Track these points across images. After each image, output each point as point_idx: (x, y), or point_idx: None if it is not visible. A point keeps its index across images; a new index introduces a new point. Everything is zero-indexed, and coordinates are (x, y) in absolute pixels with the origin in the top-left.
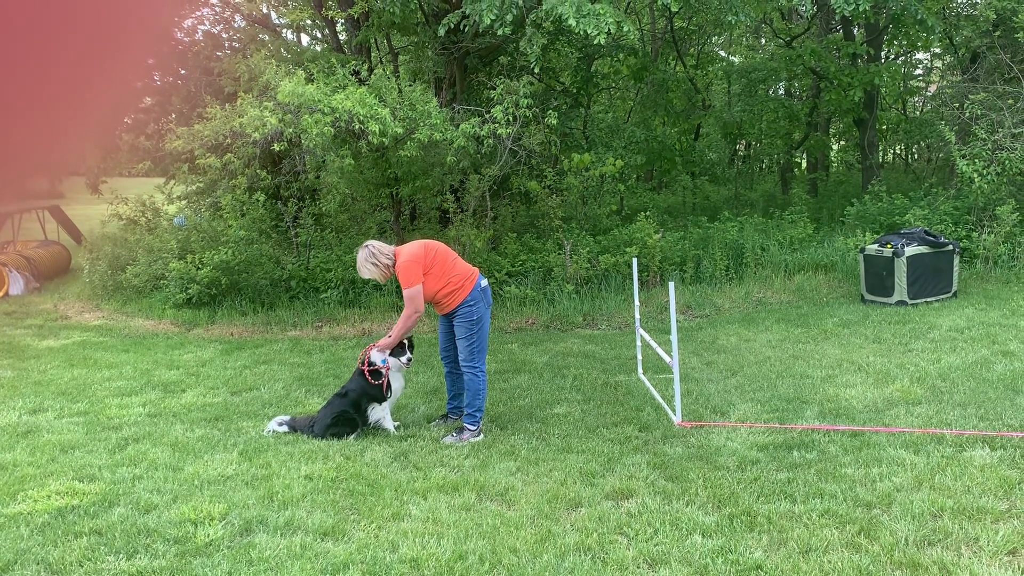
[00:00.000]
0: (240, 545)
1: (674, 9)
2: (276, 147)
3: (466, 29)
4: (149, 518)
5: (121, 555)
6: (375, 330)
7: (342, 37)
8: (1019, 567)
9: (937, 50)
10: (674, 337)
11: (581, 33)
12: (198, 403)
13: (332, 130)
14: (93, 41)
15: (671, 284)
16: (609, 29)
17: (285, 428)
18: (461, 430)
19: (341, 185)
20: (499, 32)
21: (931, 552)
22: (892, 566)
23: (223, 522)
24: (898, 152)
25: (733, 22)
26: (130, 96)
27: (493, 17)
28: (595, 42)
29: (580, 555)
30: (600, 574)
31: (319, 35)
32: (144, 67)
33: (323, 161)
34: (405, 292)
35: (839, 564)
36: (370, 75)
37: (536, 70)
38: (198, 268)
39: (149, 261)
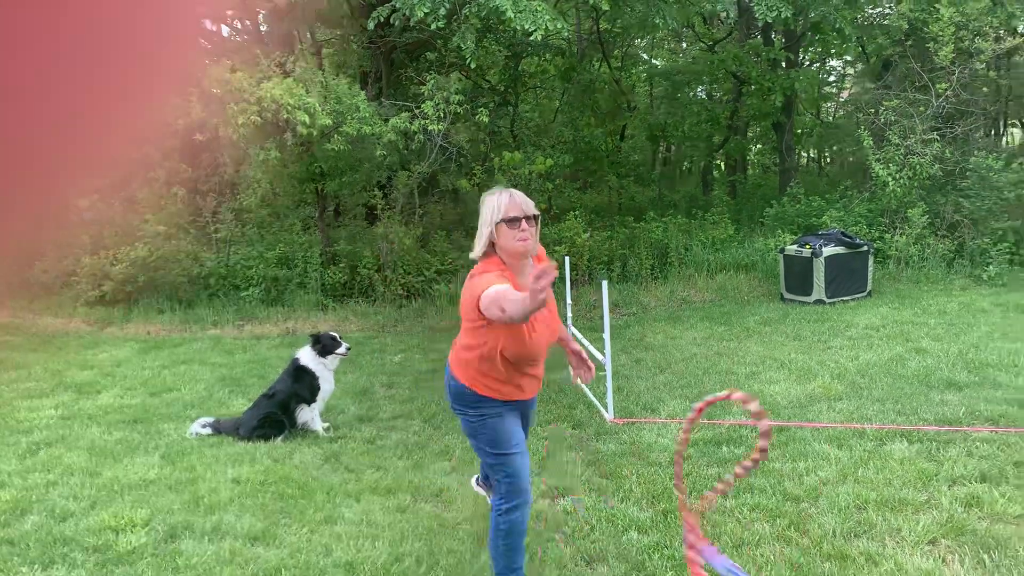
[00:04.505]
0: (165, 552)
1: (605, 8)
2: (200, 138)
3: (396, 23)
4: (66, 526)
5: (36, 566)
6: (299, 329)
7: (263, 28)
8: (940, 556)
9: (849, 58)
10: (607, 335)
11: (518, 28)
12: (115, 405)
13: (260, 119)
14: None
15: (604, 283)
16: (546, 26)
17: (209, 430)
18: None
19: (264, 180)
20: (432, 26)
21: (858, 543)
22: (822, 558)
23: (146, 528)
24: (811, 156)
25: (660, 25)
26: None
27: (426, 10)
28: (532, 38)
29: None
30: (539, 573)
31: (239, 25)
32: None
33: (245, 154)
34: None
35: (772, 557)
36: (295, 67)
37: (472, 65)
38: (112, 264)
39: (58, 257)
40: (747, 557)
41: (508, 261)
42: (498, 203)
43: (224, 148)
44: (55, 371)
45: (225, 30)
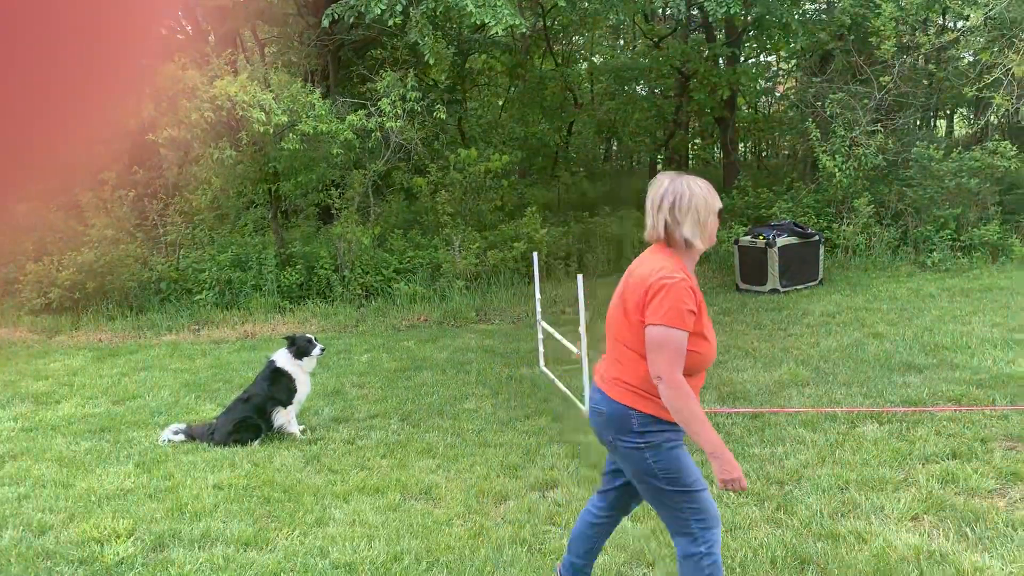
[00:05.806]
0: (156, 561)
1: (561, 4)
2: (152, 137)
3: (350, 20)
4: (46, 539)
5: None
6: (259, 332)
7: (203, 26)
8: (925, 531)
9: (784, 53)
10: (583, 329)
11: (478, 22)
12: (78, 414)
13: (213, 116)
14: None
15: (579, 278)
16: (507, 21)
17: (182, 437)
18: None
19: (215, 180)
20: (389, 23)
21: (845, 523)
22: (813, 538)
23: (131, 538)
24: (750, 148)
25: (614, 20)
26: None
27: (383, 7)
28: (492, 33)
29: (516, 547)
30: (540, 565)
31: (176, 26)
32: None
33: (196, 156)
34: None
35: (765, 539)
36: (245, 65)
37: (431, 62)
38: (58, 271)
39: None
40: (741, 541)
41: (690, 254)
42: (709, 191)
43: (174, 147)
44: (8, 382)
45: (163, 30)
